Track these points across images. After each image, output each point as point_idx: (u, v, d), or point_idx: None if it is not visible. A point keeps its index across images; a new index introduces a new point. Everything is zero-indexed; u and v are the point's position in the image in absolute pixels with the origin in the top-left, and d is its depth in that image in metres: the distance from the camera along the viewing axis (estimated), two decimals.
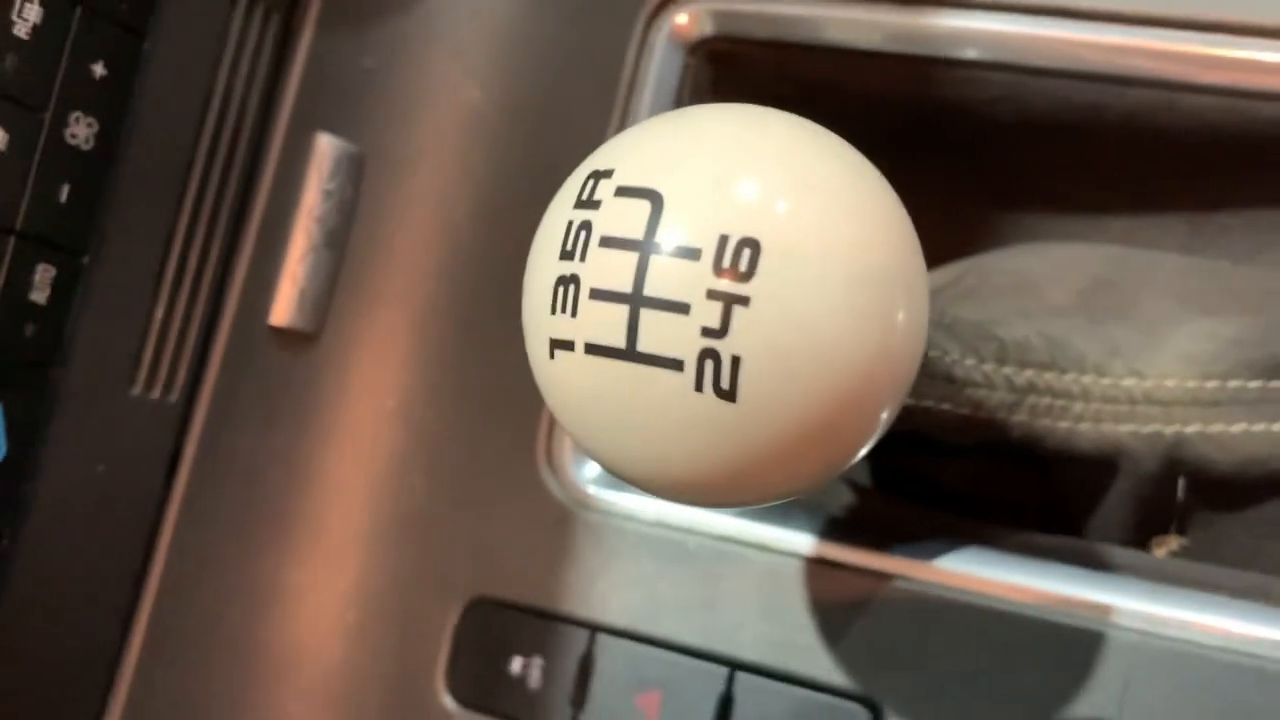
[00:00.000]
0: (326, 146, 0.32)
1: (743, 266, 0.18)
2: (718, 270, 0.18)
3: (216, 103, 0.31)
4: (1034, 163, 0.32)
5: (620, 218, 0.18)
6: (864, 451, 0.20)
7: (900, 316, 0.19)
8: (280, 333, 0.32)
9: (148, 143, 0.29)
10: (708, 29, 0.32)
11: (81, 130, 0.27)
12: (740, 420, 0.18)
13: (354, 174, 0.32)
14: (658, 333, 0.18)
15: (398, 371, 0.32)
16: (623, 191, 0.18)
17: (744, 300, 0.18)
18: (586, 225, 0.19)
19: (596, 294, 0.18)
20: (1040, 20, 0.29)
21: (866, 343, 0.18)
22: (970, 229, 0.33)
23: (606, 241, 0.18)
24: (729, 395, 0.18)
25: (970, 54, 0.30)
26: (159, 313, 0.30)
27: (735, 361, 0.18)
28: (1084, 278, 0.29)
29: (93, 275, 0.28)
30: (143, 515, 0.31)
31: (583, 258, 0.18)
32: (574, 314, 0.19)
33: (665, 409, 0.18)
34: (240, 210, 0.32)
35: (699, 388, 0.18)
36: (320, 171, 0.32)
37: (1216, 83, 0.28)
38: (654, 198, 0.18)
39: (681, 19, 0.31)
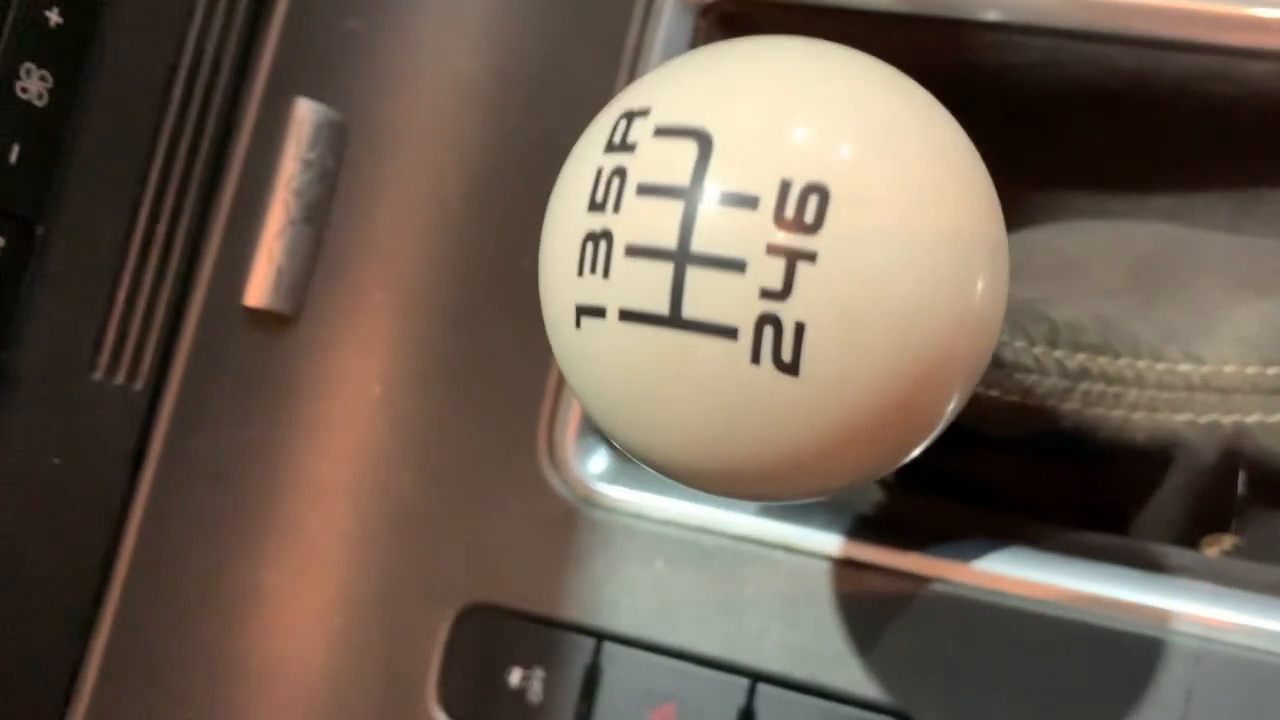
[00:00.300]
0: (306, 113, 0.30)
1: (808, 217, 0.15)
2: (779, 221, 0.15)
3: (187, 60, 0.29)
4: (1073, 136, 0.30)
5: (661, 162, 0.16)
6: (931, 439, 0.18)
7: (981, 281, 0.16)
8: (256, 314, 0.30)
9: (109, 101, 0.27)
10: None
11: (34, 84, 0.25)
12: (803, 397, 0.16)
13: (336, 143, 0.31)
14: (707, 295, 0.16)
15: (384, 357, 0.31)
16: (663, 132, 0.16)
17: (810, 256, 0.15)
18: (620, 171, 0.16)
19: (634, 251, 0.16)
20: None
21: (947, 309, 0.16)
22: (1006, 206, 0.31)
23: (645, 190, 0.16)
24: (791, 368, 0.16)
25: (995, 16, 0.28)
26: (123, 290, 0.29)
27: (799, 328, 0.15)
28: (1132, 257, 0.28)
29: (48, 247, 0.26)
30: (104, 513, 0.30)
31: (616, 209, 0.16)
32: (606, 275, 0.16)
33: (715, 385, 0.16)
34: (212, 179, 0.30)
35: (756, 359, 0.16)
36: (299, 139, 0.30)
37: (1273, 47, 0.26)
38: (701, 138, 0.16)
39: None
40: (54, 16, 0.25)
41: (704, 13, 0.30)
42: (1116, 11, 0.27)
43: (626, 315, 0.16)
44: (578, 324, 0.17)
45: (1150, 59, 0.28)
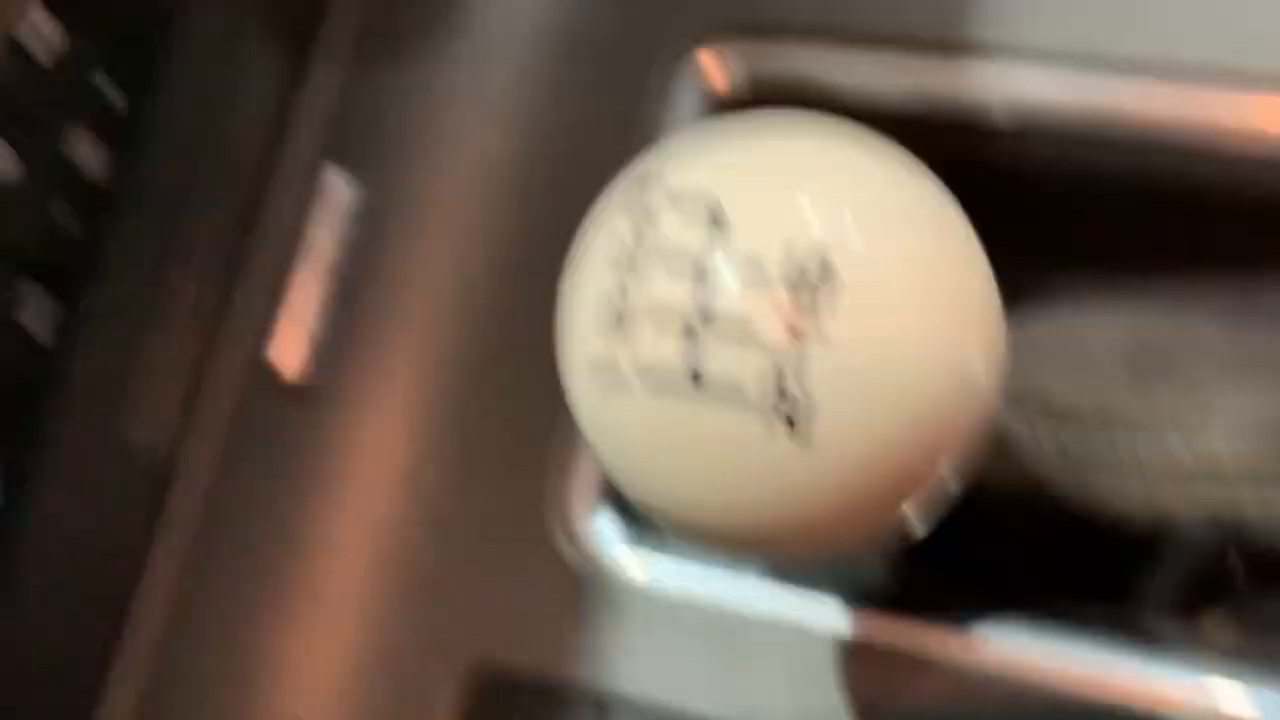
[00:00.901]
0: (337, 186, 0.31)
1: (820, 297, 0.16)
2: (792, 299, 0.16)
3: (226, 133, 0.29)
4: (1074, 218, 0.31)
5: (676, 232, 0.17)
6: (934, 510, 0.18)
7: (981, 359, 0.17)
8: (281, 382, 0.31)
9: (151, 172, 0.27)
10: (739, 85, 0.31)
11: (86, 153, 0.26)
12: (812, 467, 0.16)
13: (365, 217, 0.31)
14: (724, 367, 0.16)
15: (406, 427, 0.31)
16: (677, 199, 0.17)
17: (820, 336, 0.16)
18: (638, 236, 0.17)
19: (652, 318, 0.17)
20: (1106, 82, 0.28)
21: (948, 386, 0.17)
22: (1003, 286, 0.32)
23: (661, 257, 0.17)
24: (801, 440, 0.16)
25: (1006, 122, 0.29)
26: (152, 357, 0.29)
27: (809, 403, 0.16)
28: (1131, 341, 0.28)
29: (87, 312, 0.27)
30: (123, 577, 0.30)
31: (633, 273, 0.17)
32: (626, 336, 0.17)
33: (729, 454, 0.17)
34: (240, 251, 0.31)
35: (769, 431, 0.16)
36: (330, 213, 0.31)
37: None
38: (715, 210, 0.17)
39: (711, 74, 0.31)
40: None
41: (719, 106, 0.31)
42: (1127, 121, 0.27)
43: (646, 382, 0.17)
44: (597, 387, 0.18)
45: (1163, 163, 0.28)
